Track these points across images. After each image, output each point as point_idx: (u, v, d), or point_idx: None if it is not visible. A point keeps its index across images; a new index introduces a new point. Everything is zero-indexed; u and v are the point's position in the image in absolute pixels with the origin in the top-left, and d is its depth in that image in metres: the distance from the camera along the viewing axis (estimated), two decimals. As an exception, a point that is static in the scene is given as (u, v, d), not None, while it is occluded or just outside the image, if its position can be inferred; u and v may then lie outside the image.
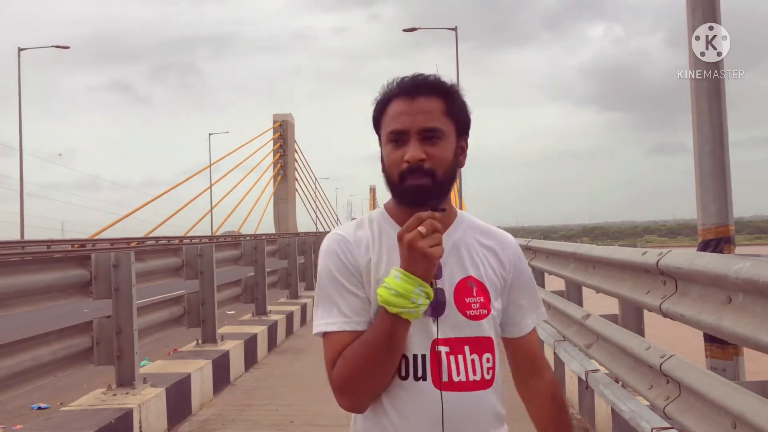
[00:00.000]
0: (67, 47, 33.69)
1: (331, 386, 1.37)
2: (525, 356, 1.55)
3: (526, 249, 6.67)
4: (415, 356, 1.37)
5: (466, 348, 1.39)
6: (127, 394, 4.74)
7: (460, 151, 1.44)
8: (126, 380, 4.86)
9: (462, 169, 1.49)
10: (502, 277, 1.48)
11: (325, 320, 1.39)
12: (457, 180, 1.61)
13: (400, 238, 1.27)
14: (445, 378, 1.36)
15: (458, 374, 1.37)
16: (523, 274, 1.53)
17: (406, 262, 1.27)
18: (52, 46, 33.48)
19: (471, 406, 1.38)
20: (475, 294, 1.42)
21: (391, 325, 1.29)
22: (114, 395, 4.71)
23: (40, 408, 6.03)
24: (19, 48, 31.76)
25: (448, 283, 1.41)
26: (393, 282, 1.27)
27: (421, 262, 1.26)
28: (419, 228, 1.25)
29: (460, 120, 1.43)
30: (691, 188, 4.00)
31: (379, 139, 1.46)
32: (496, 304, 1.46)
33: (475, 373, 1.39)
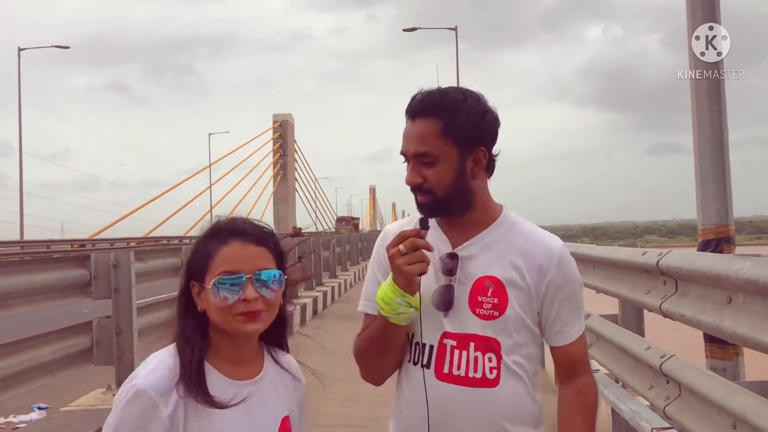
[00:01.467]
0: (67, 47, 33.65)
1: None
2: (563, 365, 1.52)
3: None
4: (424, 345, 1.43)
5: (471, 344, 1.41)
6: (126, 394, 4.73)
7: (473, 163, 1.42)
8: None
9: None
10: (536, 282, 1.44)
11: (361, 301, 1.57)
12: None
13: (387, 250, 1.38)
14: (445, 369, 1.41)
15: (458, 368, 1.41)
16: (566, 282, 1.47)
17: (392, 274, 1.37)
18: (52, 46, 33.48)
19: (468, 401, 1.39)
20: (489, 294, 1.42)
21: (382, 323, 1.41)
22: (114, 395, 4.70)
23: (40, 408, 6.02)
24: (19, 48, 31.74)
25: (466, 280, 1.43)
26: (383, 288, 1.38)
27: (399, 276, 1.35)
28: (399, 246, 1.34)
29: (464, 136, 1.41)
30: (691, 188, 3.99)
31: None
32: (516, 308, 1.42)
33: (476, 371, 1.40)
